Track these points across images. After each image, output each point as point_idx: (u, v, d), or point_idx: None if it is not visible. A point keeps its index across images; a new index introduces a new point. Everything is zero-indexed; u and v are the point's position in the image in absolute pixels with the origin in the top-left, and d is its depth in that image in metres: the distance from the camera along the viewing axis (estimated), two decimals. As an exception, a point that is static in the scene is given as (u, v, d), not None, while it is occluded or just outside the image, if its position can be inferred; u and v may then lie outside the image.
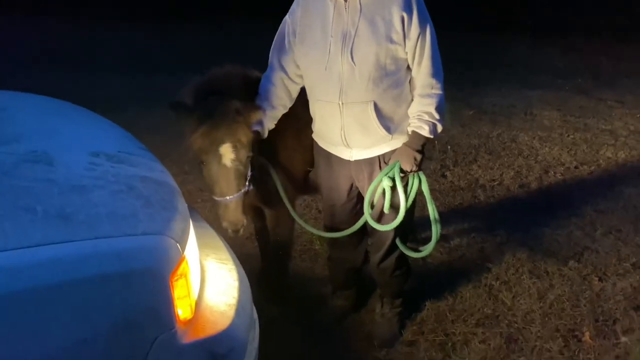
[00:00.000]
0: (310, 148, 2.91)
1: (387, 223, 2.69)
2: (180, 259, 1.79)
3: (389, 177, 2.58)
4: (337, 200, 2.88)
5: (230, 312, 1.95)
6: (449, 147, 6.00)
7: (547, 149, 6.11)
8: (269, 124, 2.66)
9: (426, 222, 2.82)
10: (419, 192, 2.66)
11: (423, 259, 3.70)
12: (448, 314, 3.30)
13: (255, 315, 2.27)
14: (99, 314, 1.61)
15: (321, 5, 2.47)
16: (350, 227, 2.83)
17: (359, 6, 2.38)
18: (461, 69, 9.01)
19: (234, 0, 13.87)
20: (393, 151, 2.64)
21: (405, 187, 2.61)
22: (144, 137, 2.54)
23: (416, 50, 2.43)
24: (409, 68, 2.51)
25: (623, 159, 5.91)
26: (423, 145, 2.59)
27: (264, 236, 3.32)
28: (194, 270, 1.94)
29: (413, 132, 2.57)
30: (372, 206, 2.70)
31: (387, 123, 2.56)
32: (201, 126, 2.37)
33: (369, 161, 2.68)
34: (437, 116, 2.52)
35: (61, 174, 1.82)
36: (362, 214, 2.76)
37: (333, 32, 2.42)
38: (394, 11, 2.37)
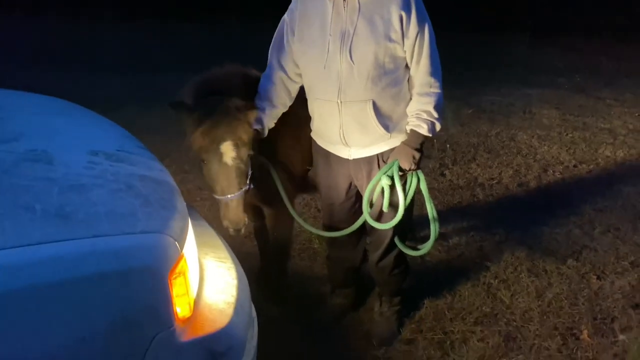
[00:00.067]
0: (309, 147, 2.91)
1: (386, 222, 2.69)
2: (179, 257, 1.79)
3: (387, 175, 2.58)
4: (336, 199, 2.88)
5: (229, 311, 1.95)
6: (448, 145, 6.01)
7: (546, 147, 6.13)
8: (269, 122, 2.67)
9: (425, 221, 2.83)
10: (418, 191, 2.67)
11: (422, 257, 3.72)
12: (447, 312, 3.31)
13: (254, 314, 2.27)
14: (97, 312, 1.61)
15: (320, 4, 2.47)
16: (349, 225, 2.83)
17: (357, 5, 2.39)
18: (460, 69, 9.03)
19: (234, 0, 13.86)
20: (392, 150, 2.64)
21: (403, 185, 2.61)
22: (143, 137, 2.54)
23: (415, 49, 2.44)
24: (407, 67, 2.52)
25: (622, 158, 5.92)
26: (422, 144, 2.60)
27: (263, 235, 3.32)
28: (192, 268, 1.94)
29: (412, 130, 2.57)
30: (371, 205, 2.71)
31: (386, 122, 2.56)
32: (202, 125, 2.37)
33: (368, 160, 2.68)
34: (435, 115, 2.53)
35: (60, 172, 1.82)
36: (361, 212, 2.76)
37: (332, 31, 2.43)
38: (392, 10, 2.37)
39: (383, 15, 2.38)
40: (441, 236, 4.07)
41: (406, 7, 2.37)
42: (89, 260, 1.58)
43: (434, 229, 2.69)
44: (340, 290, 3.29)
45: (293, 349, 2.98)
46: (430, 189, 2.78)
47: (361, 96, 2.48)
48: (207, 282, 2.09)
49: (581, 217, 4.53)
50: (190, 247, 1.97)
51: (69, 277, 1.54)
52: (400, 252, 2.92)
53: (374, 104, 2.50)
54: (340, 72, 2.45)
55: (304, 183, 3.12)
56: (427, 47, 2.45)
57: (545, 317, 3.28)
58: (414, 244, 3.22)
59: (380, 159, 2.67)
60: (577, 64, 10.64)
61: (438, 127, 2.58)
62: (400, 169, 2.59)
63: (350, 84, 2.46)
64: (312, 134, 2.84)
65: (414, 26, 2.39)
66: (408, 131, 2.59)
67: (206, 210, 4.15)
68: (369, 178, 2.69)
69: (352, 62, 2.41)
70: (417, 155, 2.58)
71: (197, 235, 2.18)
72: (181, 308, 1.82)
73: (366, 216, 2.71)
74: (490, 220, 4.42)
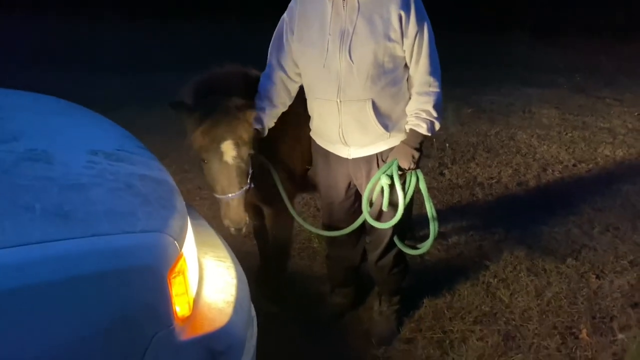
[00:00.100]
0: (309, 146, 2.92)
1: (386, 221, 2.70)
2: (178, 256, 1.80)
3: (387, 175, 2.59)
4: (335, 198, 2.89)
5: (228, 310, 1.95)
6: (447, 145, 6.02)
7: (545, 147, 6.13)
8: (269, 122, 2.67)
9: (424, 220, 2.83)
10: (417, 190, 2.67)
11: (421, 256, 3.73)
12: (446, 311, 3.31)
13: (254, 313, 2.27)
14: (97, 311, 1.61)
15: (319, 3, 2.47)
16: (348, 225, 2.84)
17: (357, 4, 2.39)
18: (460, 68, 9.02)
19: (234, 0, 13.86)
20: (391, 149, 2.65)
21: (403, 185, 2.62)
22: (143, 137, 2.54)
23: (414, 48, 2.44)
24: (406, 66, 2.52)
25: (621, 157, 5.93)
26: (421, 143, 2.60)
27: (262, 234, 3.33)
28: (192, 267, 1.95)
29: (411, 130, 2.58)
30: (370, 204, 2.71)
31: (385, 121, 2.57)
32: (202, 124, 2.38)
33: (367, 159, 2.69)
34: (434, 114, 2.53)
35: (60, 172, 1.83)
36: (360, 212, 2.77)
37: (331, 31, 2.43)
38: (392, 9, 2.38)
39: (382, 14, 2.39)
40: (440, 235, 4.08)
41: (405, 7, 2.38)
42: (88, 259, 1.58)
43: (433, 228, 2.70)
44: (340, 289, 3.30)
45: (292, 348, 2.99)
46: (430, 188, 2.79)
47: (360, 95, 2.48)
48: (207, 281, 2.09)
49: (580, 216, 4.53)
50: (189, 246, 1.98)
51: (68, 276, 1.54)
52: (400, 251, 2.92)
53: (373, 103, 2.50)
54: (340, 72, 2.45)
55: (303, 182, 3.12)
56: (426, 46, 2.45)
57: (544, 316, 3.29)
58: (413, 243, 3.22)
59: (379, 159, 2.68)
60: (577, 63, 10.64)
61: (437, 126, 2.59)
62: (400, 168, 2.59)
63: (349, 83, 2.46)
64: (312, 134, 2.84)
65: (413, 25, 2.40)
66: (407, 130, 2.60)
67: (206, 209, 4.15)
68: (368, 177, 2.70)
69: (352, 61, 2.42)
70: (417, 154, 2.59)
71: (197, 235, 2.18)
72: (180, 307, 1.82)
73: (366, 215, 2.71)
74: (490, 220, 4.43)
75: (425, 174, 2.69)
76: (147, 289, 1.71)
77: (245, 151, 2.47)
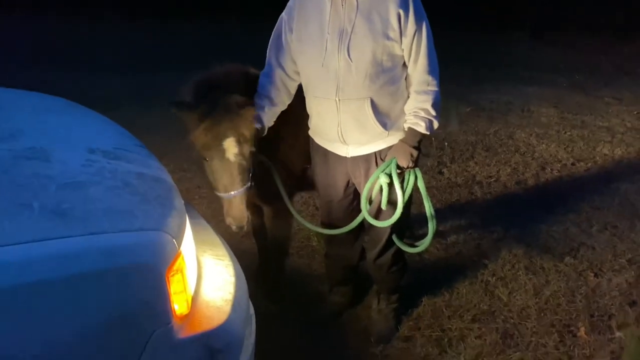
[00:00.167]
0: (308, 145, 2.92)
1: (385, 219, 2.70)
2: (177, 254, 1.80)
3: (385, 173, 2.59)
4: (334, 196, 2.89)
5: (227, 308, 1.96)
6: (446, 144, 6.02)
7: (544, 145, 6.14)
8: (269, 121, 2.66)
9: (423, 219, 2.84)
10: (416, 189, 2.67)
11: (420, 255, 3.74)
12: (444, 309, 3.32)
13: (252, 311, 2.28)
14: (95, 309, 1.61)
15: (318, 2, 2.48)
16: (347, 223, 2.84)
17: (355, 3, 2.40)
18: (460, 67, 9.03)
19: (234, 0, 13.87)
20: (389, 148, 2.65)
21: (401, 183, 2.62)
22: (143, 136, 2.55)
23: (412, 47, 2.45)
24: (405, 65, 2.53)
25: (619, 156, 5.94)
26: (419, 142, 2.61)
27: (261, 233, 3.33)
28: (190, 265, 1.95)
29: (409, 128, 2.58)
30: (369, 202, 2.72)
31: (384, 119, 2.57)
32: (204, 122, 2.38)
33: (366, 158, 2.69)
34: (433, 112, 2.54)
35: (58, 170, 1.83)
36: (359, 210, 2.77)
37: (330, 29, 2.44)
38: (390, 8, 2.38)
39: (381, 13, 2.39)
40: (439, 234, 4.09)
41: (404, 5, 2.38)
42: (86, 258, 1.59)
43: (431, 226, 2.70)
44: (339, 288, 3.30)
45: (291, 346, 3.00)
46: (429, 187, 2.80)
47: (359, 94, 2.49)
48: (205, 279, 2.09)
49: (579, 214, 4.54)
50: (188, 244, 1.98)
51: (66, 274, 1.54)
52: (398, 250, 2.93)
53: (372, 102, 2.51)
54: (338, 70, 2.46)
55: (303, 181, 3.13)
56: (424, 45, 2.46)
57: (542, 315, 3.29)
58: (412, 242, 3.23)
59: (378, 157, 2.68)
60: (577, 62, 10.66)
61: (436, 125, 2.59)
62: (398, 167, 2.59)
63: (348, 81, 2.47)
64: (310, 132, 2.84)
65: (411, 24, 2.40)
66: (406, 129, 2.60)
67: (204, 208, 4.16)
68: (366, 176, 2.70)
69: (350, 60, 2.42)
70: (415, 153, 2.59)
71: (195, 233, 2.19)
72: (179, 305, 1.83)
73: (364, 214, 2.72)
74: (488, 218, 4.44)
75: (424, 173, 2.69)
76: (146, 287, 1.71)
77: (247, 148, 2.47)
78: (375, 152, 2.68)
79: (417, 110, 2.54)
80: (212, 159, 2.44)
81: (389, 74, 2.49)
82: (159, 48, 10.53)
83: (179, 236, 1.86)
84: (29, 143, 1.96)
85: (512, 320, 3.24)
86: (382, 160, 2.66)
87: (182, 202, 2.08)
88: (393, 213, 2.65)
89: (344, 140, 2.64)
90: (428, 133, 2.59)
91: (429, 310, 3.32)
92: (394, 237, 2.85)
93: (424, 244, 2.79)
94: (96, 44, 10.49)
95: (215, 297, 2.00)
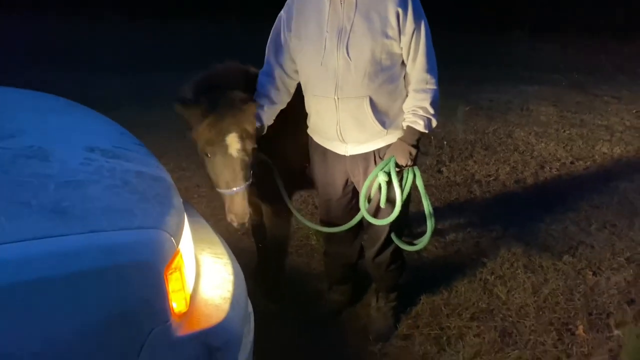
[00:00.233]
0: (307, 143, 2.93)
1: (383, 217, 2.71)
2: (175, 252, 1.81)
3: (384, 172, 2.60)
4: (333, 195, 2.90)
5: (225, 306, 1.96)
6: (445, 142, 6.03)
7: (543, 144, 6.15)
8: (269, 119, 2.67)
9: (421, 217, 2.84)
10: (414, 187, 2.68)
11: (418, 253, 3.75)
12: (443, 308, 3.33)
13: (251, 309, 2.28)
14: (94, 307, 1.62)
15: (317, 0, 2.49)
16: (346, 222, 2.85)
17: (354, 1, 2.40)
18: (459, 67, 9.03)
19: (234, 0, 13.86)
20: (388, 146, 2.66)
21: (400, 181, 2.63)
22: (143, 136, 2.55)
23: (411, 45, 2.45)
24: (403, 63, 2.54)
25: (618, 155, 5.95)
26: (418, 140, 2.61)
27: (260, 231, 3.33)
28: (188, 264, 1.96)
29: (408, 127, 2.59)
30: (368, 201, 2.73)
31: (383, 118, 2.58)
32: (207, 117, 2.38)
33: (364, 156, 2.70)
34: (431, 111, 2.55)
35: (57, 169, 1.83)
36: (358, 208, 2.78)
37: (329, 28, 2.44)
38: (389, 7, 2.39)
39: (380, 11, 2.40)
40: (438, 232, 4.10)
41: (403, 4, 2.39)
42: (85, 256, 1.59)
43: (430, 224, 2.71)
44: (337, 286, 3.31)
45: (290, 344, 3.00)
46: (428, 186, 2.81)
47: (358, 93, 2.50)
48: (204, 277, 2.10)
49: (578, 213, 4.55)
50: (186, 242, 1.99)
51: (65, 273, 1.55)
52: (397, 248, 2.93)
53: (371, 101, 2.52)
54: (337, 69, 2.46)
55: (302, 180, 3.13)
56: (423, 43, 2.47)
57: (541, 313, 3.30)
58: (411, 240, 3.24)
59: (376, 155, 2.69)
60: (576, 61, 10.66)
61: (434, 123, 2.60)
62: (397, 165, 2.60)
63: (347, 80, 2.47)
64: (309, 131, 2.85)
65: (410, 23, 2.41)
66: (404, 127, 2.61)
67: (203, 207, 4.17)
68: (365, 174, 2.71)
69: (349, 58, 2.43)
70: (414, 151, 2.60)
71: (194, 232, 2.19)
72: (177, 303, 1.83)
73: (363, 212, 2.72)
74: (487, 217, 4.44)
75: (423, 172, 2.70)
76: (144, 285, 1.72)
77: (250, 144, 2.47)
78: (374, 151, 2.68)
79: (416, 108, 2.55)
80: (215, 154, 2.44)
81: (388, 73, 2.50)
82: (159, 48, 10.54)
83: (178, 234, 1.87)
84: (28, 142, 1.96)
85: (510, 319, 3.25)
86: (381, 158, 2.67)
87: (181, 200, 2.09)
88: (392, 211, 2.65)
89: (343, 139, 2.65)
90: (427, 131, 2.59)
91: (427, 308, 3.33)
92: (393, 236, 2.86)
93: (422, 242, 2.80)
94: (96, 44, 10.50)
95: (213, 295, 2.01)
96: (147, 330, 1.72)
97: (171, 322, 1.78)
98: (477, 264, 3.77)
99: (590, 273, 3.70)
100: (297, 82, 2.74)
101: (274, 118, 2.71)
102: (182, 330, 1.81)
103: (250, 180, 2.53)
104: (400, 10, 2.38)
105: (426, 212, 2.71)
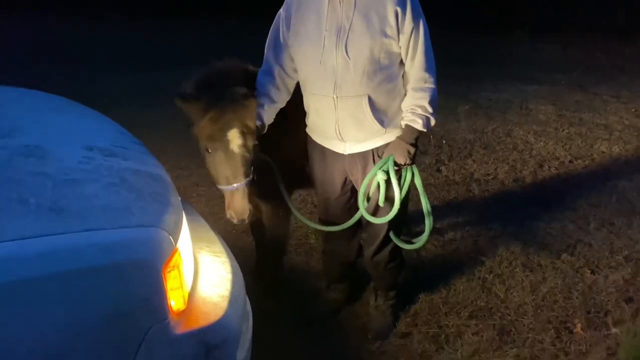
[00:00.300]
0: (306, 142, 2.93)
1: (382, 216, 2.71)
2: (173, 251, 1.81)
3: (383, 170, 2.60)
4: (332, 193, 2.91)
5: (223, 304, 1.97)
6: (444, 141, 6.03)
7: (542, 143, 6.15)
8: (268, 118, 2.67)
9: (420, 216, 2.85)
10: (413, 186, 2.69)
11: (417, 252, 3.75)
12: (441, 306, 3.33)
13: (249, 307, 2.29)
14: (92, 305, 1.62)
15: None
16: (344, 220, 2.86)
17: (353, 0, 2.41)
18: (458, 66, 9.04)
19: (234, 0, 13.86)
20: (387, 145, 2.66)
21: (399, 180, 2.63)
22: (142, 135, 2.55)
23: (410, 44, 2.46)
24: (402, 62, 2.54)
25: (617, 153, 5.95)
26: (416, 139, 2.62)
27: (259, 230, 3.34)
28: (186, 262, 1.97)
29: (407, 125, 2.59)
30: (367, 199, 2.73)
31: (381, 117, 2.59)
32: (209, 112, 2.38)
33: (363, 155, 2.71)
34: (430, 110, 2.55)
35: (54, 167, 1.84)
36: (356, 207, 2.78)
37: (327, 27, 2.45)
38: (388, 6, 2.40)
39: (379, 10, 2.41)
40: (437, 231, 4.11)
41: (401, 3, 2.40)
42: (83, 254, 1.60)
43: (428, 223, 2.71)
44: (336, 285, 3.32)
45: (288, 342, 3.01)
46: (426, 185, 2.81)
47: (357, 91, 2.50)
48: (202, 275, 2.10)
49: (576, 212, 4.55)
50: (184, 241, 2.00)
51: (63, 271, 1.56)
52: (395, 247, 2.94)
53: (370, 99, 2.52)
54: (336, 68, 2.47)
55: (301, 178, 3.14)
56: (421, 43, 2.47)
57: (539, 311, 3.30)
58: (409, 239, 3.25)
59: (375, 154, 2.70)
60: (575, 61, 10.65)
61: (433, 122, 2.60)
62: (396, 164, 2.61)
63: (345, 79, 2.48)
64: (307, 129, 2.85)
65: (409, 22, 2.42)
66: (403, 126, 2.62)
67: (202, 206, 4.18)
68: (364, 173, 2.72)
69: (348, 57, 2.43)
70: (412, 150, 2.60)
71: (192, 230, 2.20)
72: (175, 301, 1.84)
73: (362, 211, 2.73)
74: (486, 216, 4.45)
75: (422, 171, 2.71)
76: (142, 283, 1.73)
77: (251, 141, 2.47)
78: (372, 149, 2.69)
79: (414, 107, 2.55)
80: (216, 150, 2.44)
81: (387, 72, 2.51)
82: (159, 48, 10.53)
83: (176, 233, 1.88)
84: (26, 140, 1.97)
85: (509, 317, 3.25)
86: (380, 157, 2.68)
87: (179, 199, 2.10)
88: (390, 210, 2.66)
89: (342, 138, 2.66)
90: (425, 130, 2.60)
91: (426, 306, 3.33)
92: (391, 234, 2.87)
93: (421, 241, 2.81)
94: (96, 44, 10.50)
95: (211, 293, 2.02)
96: (146, 328, 1.73)
97: (169, 320, 1.79)
98: (475, 263, 3.77)
99: (589, 271, 3.70)
100: (296, 81, 2.74)
101: (274, 117, 2.71)
102: (180, 328, 1.82)
103: (251, 176, 2.53)
104: (399, 10, 2.39)
105: (425, 210, 2.71)
